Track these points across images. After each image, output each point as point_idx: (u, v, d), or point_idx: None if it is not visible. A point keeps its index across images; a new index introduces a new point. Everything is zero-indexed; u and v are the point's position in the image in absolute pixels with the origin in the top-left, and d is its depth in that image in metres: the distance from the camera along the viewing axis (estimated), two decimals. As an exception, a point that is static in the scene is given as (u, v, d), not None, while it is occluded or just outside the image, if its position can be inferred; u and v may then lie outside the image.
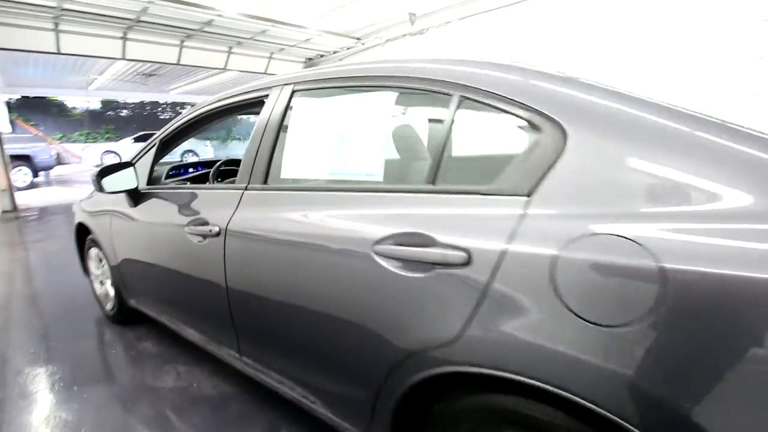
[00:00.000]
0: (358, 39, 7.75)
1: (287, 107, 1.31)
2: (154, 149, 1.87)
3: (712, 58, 3.88)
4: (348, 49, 8.09)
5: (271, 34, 7.01)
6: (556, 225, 0.71)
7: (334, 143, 1.18)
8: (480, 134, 0.94)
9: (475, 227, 0.80)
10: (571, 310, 0.66)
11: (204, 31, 6.78)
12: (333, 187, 1.12)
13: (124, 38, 6.80)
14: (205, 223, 1.41)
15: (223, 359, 1.55)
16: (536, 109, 0.80)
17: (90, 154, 13.72)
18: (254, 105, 1.48)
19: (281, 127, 1.31)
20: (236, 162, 2.44)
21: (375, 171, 1.03)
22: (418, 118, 1.13)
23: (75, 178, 11.16)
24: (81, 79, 12.50)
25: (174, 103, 18.95)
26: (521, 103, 0.82)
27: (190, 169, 2.44)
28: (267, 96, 1.39)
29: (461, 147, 0.93)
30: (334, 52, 8.35)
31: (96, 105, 17.26)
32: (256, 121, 1.39)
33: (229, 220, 1.33)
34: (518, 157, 0.82)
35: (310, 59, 8.84)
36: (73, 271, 2.71)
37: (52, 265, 3.56)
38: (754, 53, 3.63)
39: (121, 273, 2.05)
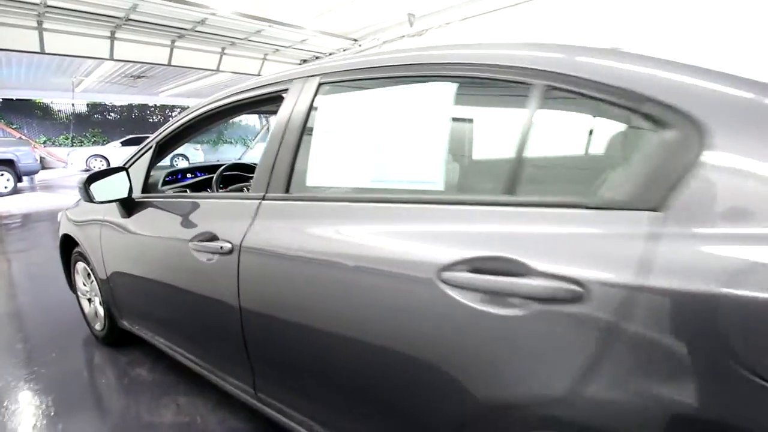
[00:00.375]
0: (355, 40, 7.60)
1: (313, 103, 1.12)
2: (149, 153, 1.67)
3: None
4: (344, 50, 7.93)
5: (266, 34, 6.82)
6: (708, 250, 0.54)
7: (376, 145, 0.99)
8: (572, 132, 0.77)
9: (584, 251, 0.62)
10: (757, 374, 0.48)
11: (196, 31, 6.56)
12: (376, 198, 0.94)
13: (112, 38, 6.54)
14: (214, 238, 1.21)
15: (231, 393, 1.34)
16: (662, 102, 0.63)
17: (76, 159, 13.31)
18: (270, 101, 1.29)
19: (305, 126, 1.12)
20: (241, 167, 2.24)
21: (432, 178, 0.85)
22: (486, 114, 0.95)
23: (60, 183, 10.78)
24: (66, 81, 12.14)
25: (164, 106, 18.57)
26: (640, 95, 0.65)
27: (189, 175, 2.23)
28: (287, 90, 1.21)
29: (546, 148, 0.75)
30: (330, 54, 8.17)
31: (82, 108, 16.80)
32: (274, 120, 1.20)
33: (244, 235, 1.14)
34: (635, 160, 0.65)
35: (304, 61, 8.65)
36: (60, 286, 2.48)
37: (37, 279, 3.30)
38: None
39: (112, 291, 1.83)
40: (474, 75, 0.83)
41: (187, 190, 1.97)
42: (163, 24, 6.20)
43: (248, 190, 2.06)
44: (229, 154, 19.23)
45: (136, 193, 1.63)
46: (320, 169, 1.09)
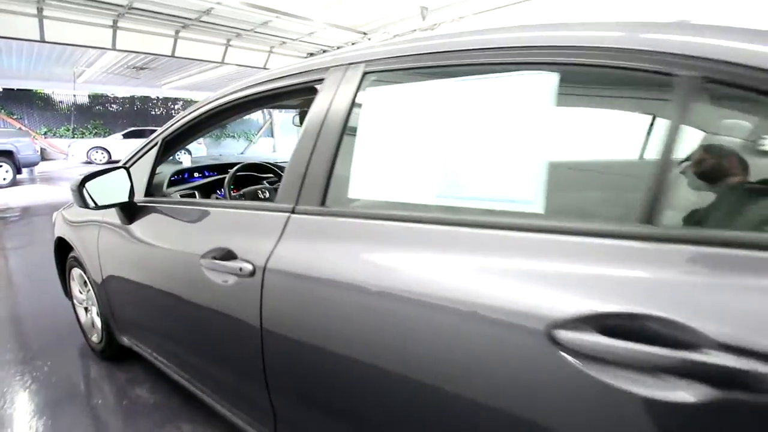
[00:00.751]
0: (365, 33, 7.38)
1: (356, 96, 0.93)
2: (154, 150, 1.47)
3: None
4: (353, 44, 7.71)
5: (274, 25, 6.60)
6: None
7: (445, 151, 0.80)
8: (744, 140, 0.57)
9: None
10: None
11: (202, 21, 6.34)
12: (448, 220, 0.74)
13: (115, 27, 6.33)
14: (231, 256, 1.02)
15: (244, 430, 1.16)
16: None
17: (77, 150, 13.11)
18: (299, 94, 1.10)
19: (347, 125, 0.93)
20: (255, 167, 2.03)
21: (530, 196, 0.65)
22: (610, 114, 0.74)
23: (61, 175, 10.59)
24: (68, 71, 11.93)
25: (166, 98, 18.33)
26: None
27: (196, 175, 2.04)
28: (321, 81, 1.01)
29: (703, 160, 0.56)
30: (338, 48, 7.96)
31: (84, 99, 16.55)
32: (307, 116, 1.01)
33: (269, 255, 0.95)
34: None
35: (311, 54, 8.43)
36: (57, 288, 2.30)
37: (34, 280, 3.12)
38: None
39: (110, 303, 1.64)
40: (590, 63, 0.63)
41: (196, 193, 1.77)
42: (167, 13, 5.98)
43: (263, 194, 1.87)
44: (231, 149, 19.02)
45: (139, 196, 1.44)
46: (368, 178, 0.89)
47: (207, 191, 1.86)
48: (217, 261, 1.06)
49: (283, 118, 19.17)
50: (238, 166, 1.79)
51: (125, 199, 1.38)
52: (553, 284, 0.57)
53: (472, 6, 5.93)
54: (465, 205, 0.75)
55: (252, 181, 1.98)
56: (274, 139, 20.76)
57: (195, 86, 14.52)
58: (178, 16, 6.15)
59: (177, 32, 6.89)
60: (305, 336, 0.88)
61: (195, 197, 1.76)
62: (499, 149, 0.71)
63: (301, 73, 1.08)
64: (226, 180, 1.70)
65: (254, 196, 1.80)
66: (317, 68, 1.04)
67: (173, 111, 18.64)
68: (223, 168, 2.20)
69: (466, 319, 0.64)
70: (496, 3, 5.83)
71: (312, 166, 0.96)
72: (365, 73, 0.94)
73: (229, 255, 1.04)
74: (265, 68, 8.41)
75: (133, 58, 9.79)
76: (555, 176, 0.65)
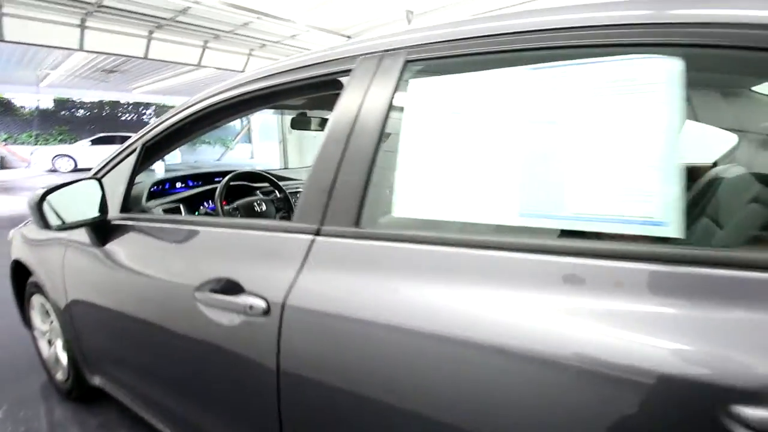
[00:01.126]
0: (349, 37, 7.21)
1: (396, 91, 0.75)
2: (133, 157, 1.24)
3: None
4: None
5: (254, 27, 6.36)
6: None
7: (522, 155, 0.62)
8: None
9: None
10: None
11: (177, 21, 6.04)
12: (530, 246, 0.57)
13: (83, 26, 5.94)
14: (236, 289, 0.82)
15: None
16: None
17: (40, 158, 12.38)
18: (319, 88, 0.91)
19: (385, 125, 0.75)
20: (248, 176, 1.80)
21: (657, 214, 0.49)
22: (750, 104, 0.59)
23: (22, 185, 9.92)
24: (31, 74, 11.26)
25: (137, 103, 17.62)
26: None
27: (179, 185, 1.79)
28: (348, 73, 0.83)
29: None
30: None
31: (48, 104, 15.68)
32: (332, 116, 0.82)
33: (290, 288, 0.75)
34: None
35: (293, 58, 8.20)
36: (15, 313, 1.99)
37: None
38: None
39: (79, 337, 1.39)
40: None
41: (181, 207, 1.54)
42: (140, 12, 5.65)
43: (260, 207, 1.65)
44: (207, 156, 18.39)
45: (114, 212, 1.21)
46: (417, 191, 0.71)
47: (192, 204, 1.63)
48: (217, 295, 0.85)
49: (262, 122, 18.75)
50: (230, 174, 1.56)
51: (97, 215, 1.15)
52: (722, 343, 0.41)
53: (457, 10, 5.86)
54: (560, 225, 0.58)
55: (244, 191, 1.76)
56: (251, 146, 20.28)
57: (168, 90, 14.01)
58: (152, 16, 5.82)
59: (150, 33, 6.53)
60: (337, 389, 0.69)
61: (180, 212, 1.53)
62: (612, 152, 0.54)
63: (319, 63, 0.89)
64: (218, 191, 1.48)
65: (249, 210, 1.58)
66: (342, 57, 0.86)
67: (144, 116, 17.94)
68: (208, 177, 1.97)
69: (563, 380, 0.47)
70: (482, 8, 5.78)
71: (342, 177, 0.77)
72: (407, 62, 0.77)
73: (232, 287, 0.83)
74: (244, 72, 8.14)
75: (102, 60, 9.30)
76: (698, 188, 0.49)
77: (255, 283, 0.81)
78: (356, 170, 0.75)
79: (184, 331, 0.94)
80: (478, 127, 0.67)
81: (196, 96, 1.12)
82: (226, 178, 1.54)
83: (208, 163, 15.40)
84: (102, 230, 1.19)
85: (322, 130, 2.16)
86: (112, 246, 1.16)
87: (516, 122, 0.64)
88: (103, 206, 1.19)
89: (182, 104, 1.16)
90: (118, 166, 1.29)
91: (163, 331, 0.99)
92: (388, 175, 0.74)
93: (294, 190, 1.86)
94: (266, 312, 0.77)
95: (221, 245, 0.93)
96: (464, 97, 0.70)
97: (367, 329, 0.66)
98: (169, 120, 1.17)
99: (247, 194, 1.76)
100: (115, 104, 17.21)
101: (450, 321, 0.58)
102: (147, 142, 1.23)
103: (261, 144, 20.05)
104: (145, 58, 7.01)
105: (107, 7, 5.42)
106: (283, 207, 1.72)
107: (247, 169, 1.82)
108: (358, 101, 0.79)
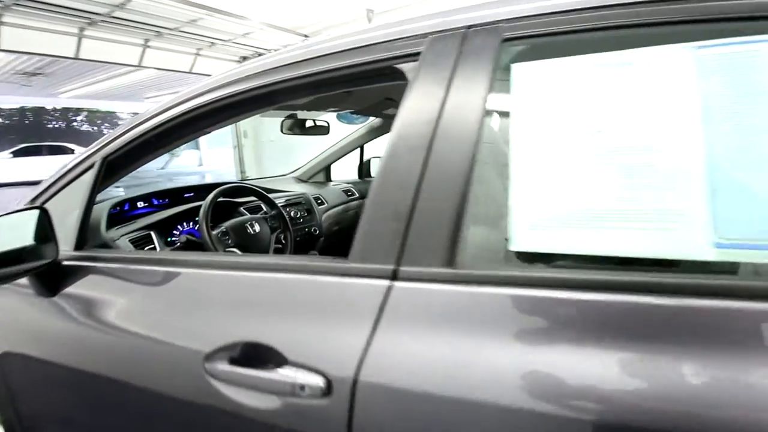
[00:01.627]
0: (306, 36, 6.90)
1: (493, 79, 0.56)
2: (89, 175, 0.94)
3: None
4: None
5: (203, 24, 5.87)
6: None
7: (713, 162, 0.44)
8: None
9: None
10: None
11: (114, 17, 5.42)
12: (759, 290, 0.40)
13: (-2, 21, 5.17)
14: (274, 360, 0.59)
15: None
16: None
17: (-51, 173, 10.85)
18: (368, 78, 0.70)
19: (482, 129, 0.55)
20: (235, 191, 1.49)
21: None
22: None
23: (-73, 203, 8.58)
24: (-67, 78, 9.79)
25: (66, 109, 16.05)
26: None
27: (141, 204, 1.46)
28: (416, 57, 0.62)
29: None
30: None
31: (-43, 111, 13.87)
32: (398, 118, 0.61)
33: (362, 356, 0.54)
34: None
35: (245, 58, 7.73)
36: None
37: None
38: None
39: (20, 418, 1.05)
40: None
41: (153, 236, 1.23)
42: (68, 6, 5.00)
43: (253, 228, 1.37)
44: (149, 164, 17.01)
45: (66, 250, 0.91)
46: (548, 215, 0.51)
47: (165, 229, 1.32)
48: (243, 369, 0.60)
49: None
50: (215, 191, 1.26)
51: (45, 259, 0.84)
52: None
53: (424, 8, 5.76)
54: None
55: (227, 209, 1.47)
56: (199, 152, 19.18)
57: (103, 94, 12.81)
58: (84, 11, 5.17)
59: (82, 30, 5.82)
60: None
61: (152, 241, 1.22)
62: None
63: (368, 46, 0.67)
64: (202, 212, 1.18)
65: (242, 233, 1.30)
66: (401, 38, 0.65)
67: (75, 123, 16.36)
68: (176, 194, 1.64)
69: None
70: (442, 7, 5.72)
71: (425, 197, 0.56)
72: (504, 42, 0.57)
73: (266, 357, 0.59)
74: (191, 73, 7.54)
75: (24, 60, 8.23)
76: None
77: (304, 350, 0.57)
78: (447, 189, 0.55)
79: (190, 419, 0.68)
80: (634, 125, 0.49)
81: (182, 93, 0.85)
82: (211, 195, 1.24)
83: (150, 172, 14.26)
84: (51, 275, 0.88)
85: (315, 134, 1.92)
86: (67, 299, 0.86)
87: (693, 115, 0.46)
88: (50, 243, 0.88)
89: (161, 104, 0.88)
90: (68, 188, 0.98)
91: (158, 418, 0.72)
92: (496, 194, 0.54)
93: (285, 203, 1.60)
94: (326, 392, 0.54)
95: (240, 294, 0.68)
96: (602, 86, 0.51)
97: (486, 414, 0.46)
98: (143, 125, 0.89)
99: (229, 212, 1.47)
100: (40, 111, 15.57)
101: (634, 412, 0.40)
102: (109, 155, 0.93)
103: (210, 150, 19.02)
104: (76, 58, 6.26)
105: (28, 0, 4.74)
106: (279, 226, 1.46)
107: (228, 180, 1.53)
108: (439, 96, 0.58)
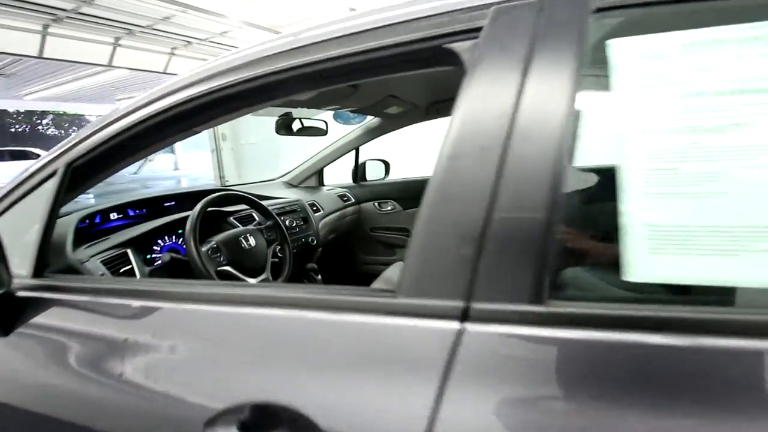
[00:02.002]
0: (287, 36, 6.72)
1: (583, 61, 0.43)
2: (51, 184, 0.77)
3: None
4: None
5: (177, 22, 5.61)
6: None
7: None
8: None
9: None
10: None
11: (81, 14, 5.11)
12: None
13: (-49, 16, 4.80)
14: (298, 428, 0.44)
15: None
16: None
17: None
18: (414, 63, 0.57)
19: (577, 125, 0.42)
20: (224, 200, 1.30)
21: None
22: None
23: None
24: None
25: (29, 112, 15.25)
26: None
27: (114, 216, 1.28)
28: (476, 34, 0.49)
29: None
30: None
31: None
32: (457, 111, 0.48)
33: (429, 425, 0.40)
34: None
35: (222, 58, 7.47)
36: None
37: None
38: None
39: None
40: None
41: (130, 255, 1.06)
42: (31, 1, 4.67)
43: (247, 242, 1.20)
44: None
45: (21, 276, 0.74)
46: (679, 237, 0.39)
47: (144, 246, 1.14)
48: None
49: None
50: (203, 201, 1.09)
51: (-6, 291, 0.67)
52: None
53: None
54: None
55: (214, 219, 1.30)
56: (175, 156, 18.57)
57: (70, 96, 12.21)
58: (48, 6, 4.85)
59: (46, 27, 5.47)
60: None
61: (129, 261, 1.05)
62: None
63: (408, 22, 0.54)
64: (189, 225, 1.02)
65: (235, 248, 1.13)
66: (454, 11, 0.51)
67: (40, 127, 15.58)
68: (154, 203, 1.44)
69: None
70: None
71: (501, 214, 0.43)
72: (596, 12, 0.45)
73: (286, 422, 0.45)
74: (165, 73, 7.22)
75: (-20, 60, 7.75)
76: None
77: (343, 416, 0.43)
78: (532, 200, 0.42)
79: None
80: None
81: (164, 85, 0.70)
82: (200, 205, 1.07)
83: (122, 177, 13.67)
84: (1, 310, 0.71)
85: (311, 135, 1.77)
86: (23, 340, 0.69)
87: None
88: (4, 269, 0.71)
89: (137, 100, 0.72)
90: (26, 200, 0.81)
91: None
92: (600, 206, 0.42)
93: (279, 212, 1.45)
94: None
95: (250, 338, 0.53)
96: (742, 67, 0.39)
97: None
98: (115, 125, 0.72)
99: (217, 223, 1.30)
100: (2, 114, 14.74)
101: None
102: (75, 160, 0.77)
103: (185, 154, 18.46)
104: (40, 57, 5.89)
105: (-15, -7, 4.41)
106: (275, 237, 1.30)
107: (215, 187, 1.36)
108: (512, 82, 0.45)
